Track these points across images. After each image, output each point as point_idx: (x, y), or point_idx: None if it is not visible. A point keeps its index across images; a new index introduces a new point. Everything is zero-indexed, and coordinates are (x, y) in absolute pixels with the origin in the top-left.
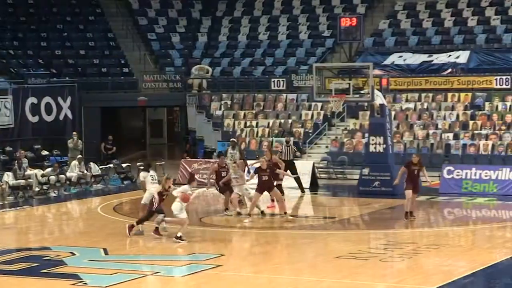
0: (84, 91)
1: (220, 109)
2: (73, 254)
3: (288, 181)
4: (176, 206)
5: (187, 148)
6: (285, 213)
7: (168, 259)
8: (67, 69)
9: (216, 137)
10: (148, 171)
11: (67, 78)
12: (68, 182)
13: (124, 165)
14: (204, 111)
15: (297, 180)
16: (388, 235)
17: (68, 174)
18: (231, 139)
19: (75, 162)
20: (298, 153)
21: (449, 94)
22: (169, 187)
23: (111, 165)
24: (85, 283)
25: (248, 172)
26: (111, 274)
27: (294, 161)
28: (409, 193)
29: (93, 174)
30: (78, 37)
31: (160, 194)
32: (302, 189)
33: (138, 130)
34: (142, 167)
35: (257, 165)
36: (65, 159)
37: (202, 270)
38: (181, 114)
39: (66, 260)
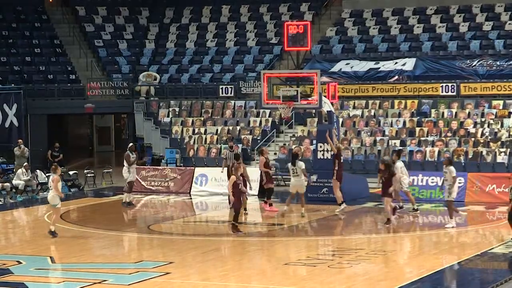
0: (30, 98)
1: (168, 116)
2: (19, 262)
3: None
4: None
5: None
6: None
7: (116, 267)
8: (13, 76)
9: (164, 144)
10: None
11: (12, 85)
12: (14, 190)
13: (71, 172)
14: (152, 118)
15: None
16: (336, 242)
17: (14, 182)
18: (130, 144)
19: (21, 170)
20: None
21: (396, 101)
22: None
23: None
24: None
25: None
26: (58, 283)
27: None
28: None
29: (40, 182)
30: (24, 44)
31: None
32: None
33: (85, 137)
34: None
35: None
36: (11, 167)
37: (150, 278)
38: (129, 121)
39: (12, 269)
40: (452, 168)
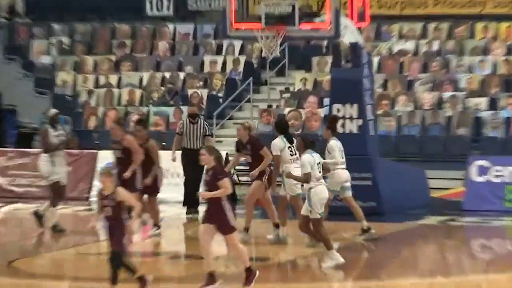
0: None
1: (48, 53)
2: None
3: None
4: None
5: None
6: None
7: None
8: None
9: (41, 106)
10: None
11: None
12: None
13: None
14: (18, 57)
15: None
16: None
17: None
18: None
19: None
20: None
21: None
22: None
23: None
24: None
25: None
26: None
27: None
28: None
29: None
30: None
31: None
32: None
33: None
34: None
35: None
36: None
37: None
38: None
39: None
40: None
